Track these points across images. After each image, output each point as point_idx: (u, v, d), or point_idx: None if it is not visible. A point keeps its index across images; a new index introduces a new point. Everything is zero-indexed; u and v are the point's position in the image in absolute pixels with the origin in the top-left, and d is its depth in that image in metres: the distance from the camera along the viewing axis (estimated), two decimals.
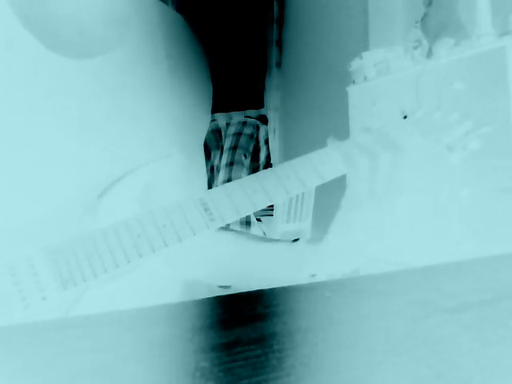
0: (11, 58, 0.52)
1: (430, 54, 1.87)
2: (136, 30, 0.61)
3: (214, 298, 0.30)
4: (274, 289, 0.31)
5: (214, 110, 0.72)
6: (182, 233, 0.52)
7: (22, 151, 0.53)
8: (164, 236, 0.51)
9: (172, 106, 0.63)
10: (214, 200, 0.54)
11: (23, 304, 0.48)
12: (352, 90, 2.24)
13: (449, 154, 0.61)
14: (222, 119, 2.48)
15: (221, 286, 0.69)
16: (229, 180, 2.25)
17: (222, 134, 2.45)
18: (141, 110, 0.60)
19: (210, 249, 0.65)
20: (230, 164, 2.33)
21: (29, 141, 0.53)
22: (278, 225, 1.99)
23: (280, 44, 2.87)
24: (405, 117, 0.64)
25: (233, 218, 0.54)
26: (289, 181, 0.57)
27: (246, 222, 2.11)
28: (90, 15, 0.57)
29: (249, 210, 0.54)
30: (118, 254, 0.50)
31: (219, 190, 0.55)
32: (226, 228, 0.67)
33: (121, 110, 0.58)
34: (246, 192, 0.55)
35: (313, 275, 0.62)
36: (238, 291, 0.31)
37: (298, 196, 2.02)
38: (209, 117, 0.71)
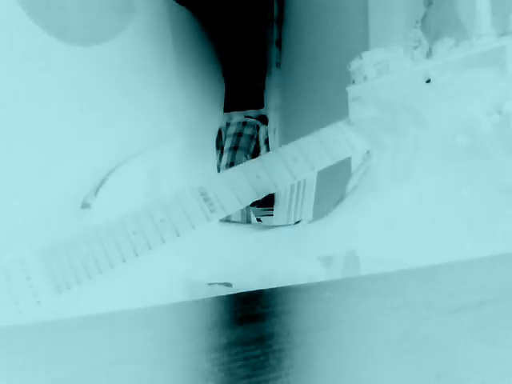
0: (15, 48, 0.52)
1: (429, 54, 1.87)
2: (141, 17, 0.61)
3: (214, 298, 0.30)
4: (274, 289, 0.31)
5: None
6: (180, 227, 0.49)
7: (23, 144, 0.52)
8: (161, 231, 0.49)
9: (178, 94, 0.62)
10: (214, 189, 0.50)
11: (17, 309, 0.47)
12: (352, 90, 2.24)
13: (480, 120, 0.54)
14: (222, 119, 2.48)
15: (222, 284, 0.68)
16: None
17: (223, 134, 2.45)
18: (145, 96, 0.59)
19: (211, 243, 0.62)
20: (231, 164, 2.33)
21: (32, 133, 0.52)
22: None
23: (280, 44, 2.87)
24: (428, 81, 0.57)
25: (235, 208, 0.50)
26: (296, 163, 0.52)
27: (247, 222, 2.10)
28: (96, 1, 0.57)
29: (251, 198, 0.51)
30: (113, 253, 0.48)
31: (220, 177, 0.51)
32: (226, 220, 0.64)
33: (125, 96, 0.58)
34: (248, 179, 0.51)
35: (319, 257, 0.59)
36: (238, 291, 0.31)
37: (298, 192, 2.02)
38: (221, 109, 0.69)
